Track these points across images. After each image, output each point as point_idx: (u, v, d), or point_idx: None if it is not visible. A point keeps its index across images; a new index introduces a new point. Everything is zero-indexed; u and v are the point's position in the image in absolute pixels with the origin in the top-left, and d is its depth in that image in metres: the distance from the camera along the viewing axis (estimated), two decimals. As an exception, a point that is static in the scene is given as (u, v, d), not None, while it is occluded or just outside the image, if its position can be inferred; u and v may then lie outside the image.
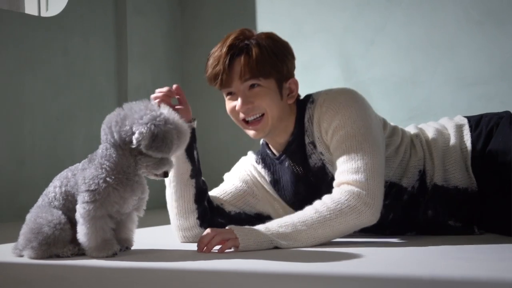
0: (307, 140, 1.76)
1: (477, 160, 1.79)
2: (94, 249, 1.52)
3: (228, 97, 1.75)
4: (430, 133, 1.85)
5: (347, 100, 1.71)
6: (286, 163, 1.80)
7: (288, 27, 3.44)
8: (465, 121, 1.85)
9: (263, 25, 3.55)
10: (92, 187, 1.51)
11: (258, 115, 1.72)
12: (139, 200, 1.57)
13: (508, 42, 2.92)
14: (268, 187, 1.87)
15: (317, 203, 1.63)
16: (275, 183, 1.85)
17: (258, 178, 1.88)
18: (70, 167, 1.64)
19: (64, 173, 1.62)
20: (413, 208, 1.78)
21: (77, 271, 1.39)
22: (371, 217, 1.61)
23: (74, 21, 3.36)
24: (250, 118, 1.72)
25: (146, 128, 1.48)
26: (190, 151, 1.74)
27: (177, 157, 1.70)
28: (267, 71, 1.69)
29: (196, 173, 1.77)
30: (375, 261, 1.39)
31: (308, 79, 3.32)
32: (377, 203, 1.63)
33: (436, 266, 1.30)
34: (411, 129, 1.89)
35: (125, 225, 1.63)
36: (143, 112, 1.52)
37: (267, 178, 1.86)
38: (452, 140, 1.82)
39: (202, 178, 1.80)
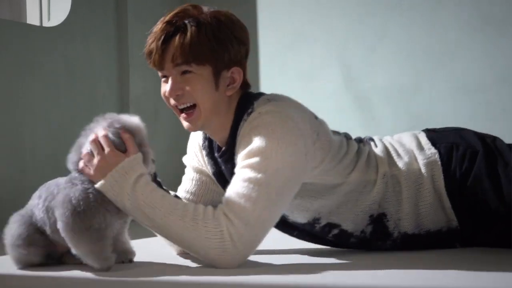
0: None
1: (455, 197, 1.65)
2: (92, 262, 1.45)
3: (163, 79, 1.62)
4: (400, 169, 1.66)
5: (275, 132, 1.50)
6: (224, 165, 1.66)
7: (289, 35, 3.41)
8: (436, 155, 1.67)
9: (264, 32, 3.53)
10: (74, 202, 1.46)
11: (189, 104, 1.56)
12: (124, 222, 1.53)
13: (510, 48, 2.90)
14: (212, 177, 1.74)
15: (199, 211, 1.46)
16: (219, 175, 1.70)
17: (203, 166, 1.76)
18: (54, 181, 1.63)
19: (50, 188, 1.61)
20: (367, 245, 1.69)
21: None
22: (229, 263, 1.44)
23: (76, 29, 3.33)
24: (181, 106, 1.57)
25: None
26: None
27: None
28: (201, 56, 1.52)
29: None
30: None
31: (309, 86, 3.35)
32: (245, 256, 1.46)
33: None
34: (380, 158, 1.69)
35: (117, 239, 1.57)
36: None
37: (210, 170, 1.73)
38: (426, 182, 1.65)
39: (174, 195, 1.70)
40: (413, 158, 1.67)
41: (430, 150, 1.67)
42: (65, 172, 2.87)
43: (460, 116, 2.95)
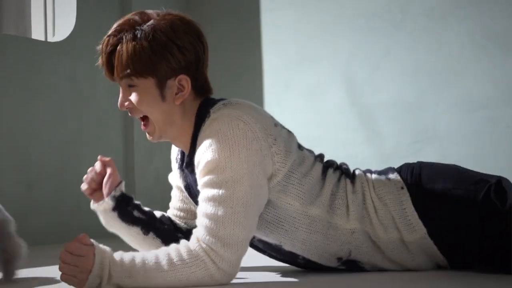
0: None
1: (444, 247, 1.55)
2: None
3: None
4: (376, 233, 1.56)
5: (226, 139, 1.48)
6: (190, 177, 1.63)
7: (294, 53, 3.45)
8: (425, 233, 1.55)
9: (268, 50, 3.56)
10: None
11: (141, 116, 1.56)
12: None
13: (513, 66, 2.96)
14: (184, 191, 1.72)
15: (174, 251, 1.45)
16: (188, 188, 1.68)
17: (178, 181, 1.72)
18: None
19: None
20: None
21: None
22: (222, 283, 1.45)
23: (81, 46, 3.37)
24: (135, 117, 1.58)
25: None
26: (127, 217, 1.64)
27: (118, 230, 1.65)
28: (139, 69, 1.49)
29: (148, 226, 1.67)
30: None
31: (314, 104, 3.38)
32: (233, 272, 1.46)
33: None
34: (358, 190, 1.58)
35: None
36: None
37: (182, 183, 1.70)
38: (412, 249, 1.55)
39: (161, 215, 1.71)
40: (396, 231, 1.56)
41: (419, 227, 1.55)
42: (70, 186, 2.86)
43: (464, 133, 2.97)
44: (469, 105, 3.00)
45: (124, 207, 1.62)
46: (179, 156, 1.69)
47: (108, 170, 1.63)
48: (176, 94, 1.54)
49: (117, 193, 1.61)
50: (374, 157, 3.20)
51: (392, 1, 3.19)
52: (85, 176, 1.65)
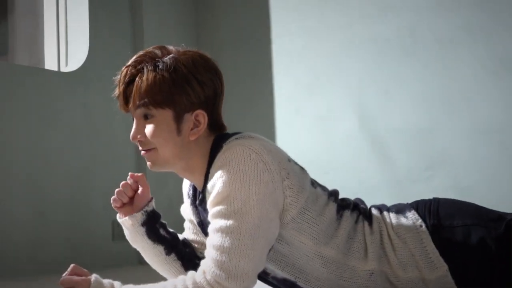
0: None
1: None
2: None
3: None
4: (395, 273, 1.54)
5: (237, 170, 1.47)
6: (204, 214, 1.62)
7: (305, 78, 3.47)
8: (447, 271, 1.51)
9: (280, 77, 3.61)
10: None
11: (151, 147, 1.54)
12: None
13: (524, 91, 2.96)
14: (198, 227, 1.71)
15: (181, 283, 1.47)
16: (202, 225, 1.66)
17: (191, 216, 1.71)
18: None
19: None
20: None
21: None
22: None
23: (93, 76, 3.41)
24: (141, 149, 1.57)
25: None
26: (153, 234, 1.65)
27: (142, 247, 1.66)
28: (158, 99, 1.49)
29: (171, 247, 1.67)
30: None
31: (326, 129, 3.43)
32: None
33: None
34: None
35: None
36: None
37: (195, 220, 1.69)
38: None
39: (183, 238, 1.72)
40: (416, 269, 1.54)
41: (441, 264, 1.53)
42: (83, 215, 2.88)
43: (476, 158, 2.96)
44: (480, 130, 3.00)
45: (153, 224, 1.63)
46: (191, 192, 1.68)
47: (141, 186, 1.63)
48: (192, 129, 1.52)
49: (149, 208, 1.62)
50: (385, 183, 3.22)
51: (402, 27, 3.21)
52: (117, 190, 1.63)
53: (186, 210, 1.73)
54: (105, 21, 3.59)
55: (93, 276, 1.46)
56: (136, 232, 1.63)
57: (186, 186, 1.71)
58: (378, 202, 1.73)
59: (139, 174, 1.63)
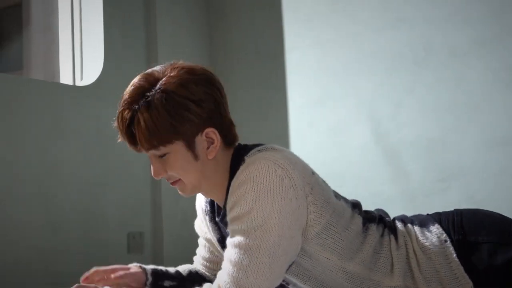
0: None
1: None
2: None
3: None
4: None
5: (261, 187, 1.44)
6: (224, 230, 1.60)
7: (317, 91, 3.47)
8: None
9: (293, 89, 3.59)
10: None
11: (177, 179, 1.53)
12: None
13: (538, 101, 2.94)
14: (217, 244, 1.70)
15: None
16: (222, 242, 1.63)
17: (208, 233, 1.71)
18: None
19: None
20: None
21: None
22: None
23: (107, 90, 3.40)
24: (169, 181, 1.55)
25: None
26: None
27: None
28: (164, 137, 1.46)
29: None
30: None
31: (338, 140, 3.38)
32: None
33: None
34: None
35: None
36: None
37: (214, 237, 1.68)
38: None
39: (188, 272, 1.76)
40: (439, 286, 1.53)
41: (466, 281, 1.51)
42: (97, 227, 2.87)
43: (489, 169, 2.95)
44: (494, 141, 2.99)
45: (156, 281, 1.66)
46: (208, 208, 1.67)
47: (120, 272, 1.68)
48: (208, 148, 1.50)
49: (149, 280, 1.67)
50: (398, 195, 3.19)
51: (414, 39, 3.21)
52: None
53: (202, 226, 1.73)
54: (118, 35, 3.56)
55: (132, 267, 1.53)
56: None
57: (202, 202, 1.69)
58: (394, 214, 1.71)
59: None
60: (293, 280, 1.55)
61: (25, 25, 3.93)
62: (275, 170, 1.42)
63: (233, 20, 3.95)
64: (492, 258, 1.48)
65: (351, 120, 3.37)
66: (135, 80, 1.51)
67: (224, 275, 1.43)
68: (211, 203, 1.64)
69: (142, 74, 1.51)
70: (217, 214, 1.61)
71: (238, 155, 1.52)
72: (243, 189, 1.43)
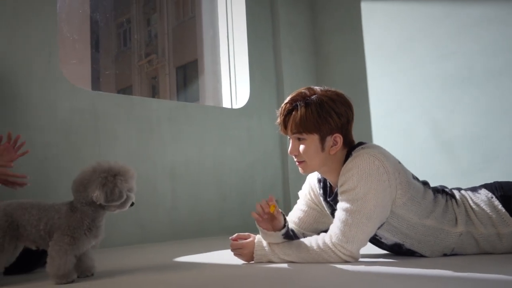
0: None
1: None
2: (59, 276, 1.54)
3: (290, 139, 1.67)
4: (478, 230, 1.67)
5: (363, 171, 1.57)
6: (335, 207, 1.70)
7: (392, 103, 3.80)
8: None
9: (374, 104, 3.92)
10: (76, 235, 1.54)
11: (302, 160, 1.68)
12: (97, 241, 1.63)
13: None
14: (329, 215, 1.82)
15: (314, 241, 1.59)
16: (333, 213, 1.76)
17: (316, 204, 1.83)
18: (39, 202, 1.61)
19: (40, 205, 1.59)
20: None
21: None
22: (343, 262, 1.57)
23: (253, 110, 3.90)
24: (295, 160, 1.70)
25: (97, 191, 1.49)
26: (289, 238, 1.73)
27: (275, 240, 1.73)
28: (309, 128, 1.62)
29: (295, 238, 1.77)
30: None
31: (407, 139, 3.69)
32: (352, 259, 1.59)
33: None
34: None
35: (86, 255, 1.66)
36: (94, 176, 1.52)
37: (327, 210, 1.80)
38: (504, 240, 1.65)
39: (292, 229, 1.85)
40: (493, 227, 1.66)
41: (511, 222, 1.65)
42: (248, 197, 3.27)
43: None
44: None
45: (288, 234, 1.79)
46: (321, 191, 1.79)
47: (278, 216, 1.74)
48: (332, 147, 1.66)
49: (284, 231, 1.75)
50: (453, 174, 3.46)
51: (460, 63, 3.45)
52: (257, 212, 1.74)
53: (307, 197, 1.89)
54: (259, 75, 3.96)
55: (256, 237, 1.69)
56: (275, 238, 1.75)
57: (314, 180, 1.87)
58: (450, 187, 1.94)
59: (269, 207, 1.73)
60: (385, 234, 1.69)
61: (200, 72, 4.30)
62: (374, 161, 1.59)
63: (333, 63, 4.32)
64: None
65: (416, 123, 3.69)
66: (300, 89, 1.68)
67: (334, 228, 1.61)
68: (324, 187, 1.78)
69: (306, 87, 1.69)
70: (328, 195, 1.76)
71: (349, 152, 1.67)
72: (351, 173, 1.60)
